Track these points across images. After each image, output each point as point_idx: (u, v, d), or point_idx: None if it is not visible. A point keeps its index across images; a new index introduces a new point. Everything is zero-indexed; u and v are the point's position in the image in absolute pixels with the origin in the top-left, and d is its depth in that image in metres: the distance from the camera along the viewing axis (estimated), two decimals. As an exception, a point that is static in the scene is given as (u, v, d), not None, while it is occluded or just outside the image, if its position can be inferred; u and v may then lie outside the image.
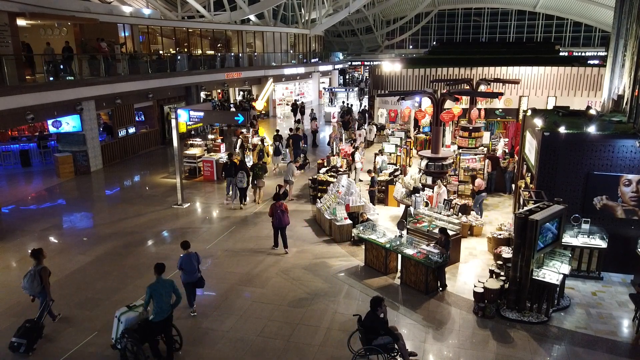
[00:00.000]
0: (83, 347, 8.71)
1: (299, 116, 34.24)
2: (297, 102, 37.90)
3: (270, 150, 21.80)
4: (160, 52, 29.21)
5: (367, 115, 31.58)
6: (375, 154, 18.91)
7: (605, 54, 17.93)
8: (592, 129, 10.85)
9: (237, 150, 21.45)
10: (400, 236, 11.51)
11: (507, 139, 21.41)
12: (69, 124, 20.40)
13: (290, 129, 23.91)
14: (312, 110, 31.63)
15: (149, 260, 12.23)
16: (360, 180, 18.68)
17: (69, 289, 10.78)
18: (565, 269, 9.83)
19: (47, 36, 22.03)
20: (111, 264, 12.04)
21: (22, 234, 14.08)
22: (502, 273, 10.28)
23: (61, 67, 19.53)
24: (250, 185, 16.73)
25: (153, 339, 8.12)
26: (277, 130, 25.13)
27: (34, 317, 8.89)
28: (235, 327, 9.27)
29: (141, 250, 12.92)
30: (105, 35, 22.51)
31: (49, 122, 20.23)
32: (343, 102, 36.51)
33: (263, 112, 33.63)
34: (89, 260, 12.25)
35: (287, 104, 42.60)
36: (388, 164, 18.54)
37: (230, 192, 16.83)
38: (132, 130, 24.25)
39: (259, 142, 21.56)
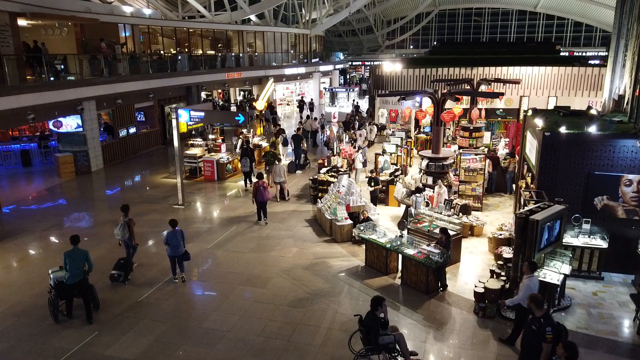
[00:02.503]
0: (84, 346, 8.73)
1: (307, 112, 34.64)
2: (304, 99, 38.58)
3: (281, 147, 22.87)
4: (161, 52, 29.23)
5: (357, 113, 32.39)
6: (377, 154, 18.94)
7: (606, 54, 17.90)
8: (592, 129, 10.84)
9: (238, 150, 21.50)
10: (401, 236, 11.51)
11: (507, 139, 21.40)
12: (70, 124, 20.43)
13: (300, 122, 24.81)
14: (322, 115, 31.96)
15: (149, 260, 12.27)
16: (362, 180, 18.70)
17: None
18: (566, 269, 9.82)
19: (48, 36, 22.06)
20: (112, 264, 12.01)
21: (23, 233, 14.09)
22: (503, 273, 10.27)
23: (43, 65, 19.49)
24: (264, 172, 18.10)
25: (69, 298, 9.52)
26: (279, 125, 26.93)
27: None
28: (235, 327, 9.28)
29: (142, 250, 12.90)
30: (106, 35, 22.51)
31: (50, 122, 20.26)
32: (354, 100, 37.04)
33: (263, 112, 33.78)
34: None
35: (288, 104, 42.75)
36: (391, 164, 18.55)
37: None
38: (132, 130, 24.27)
39: (273, 137, 22.80)
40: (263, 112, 32.95)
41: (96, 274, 11.31)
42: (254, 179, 16.40)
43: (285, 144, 23.12)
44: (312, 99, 40.83)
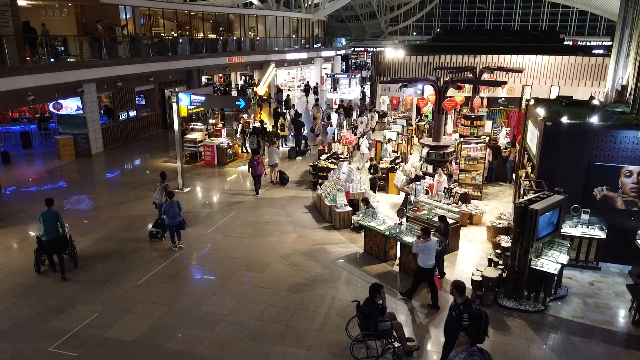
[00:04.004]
0: (84, 328, 8.79)
1: (316, 97, 35.08)
2: (309, 84, 39.16)
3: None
4: (162, 35, 28.99)
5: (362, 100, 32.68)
6: (378, 142, 18.90)
7: (611, 43, 17.76)
8: (594, 120, 10.80)
9: (238, 135, 21.48)
10: (400, 224, 11.54)
11: (508, 128, 21.33)
12: (70, 106, 20.35)
13: (294, 105, 25.34)
14: (328, 105, 32.15)
15: (149, 244, 12.32)
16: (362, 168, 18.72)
17: (69, 271, 10.85)
18: (564, 258, 9.88)
19: (48, 17, 21.85)
20: (112, 247, 12.11)
21: (23, 215, 14.12)
22: (501, 262, 10.32)
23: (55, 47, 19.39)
24: (267, 147, 19.45)
25: (49, 253, 10.62)
26: (277, 108, 27.88)
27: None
28: (234, 311, 9.35)
29: (141, 234, 12.96)
30: (107, 17, 22.30)
31: (50, 104, 20.16)
32: (362, 85, 37.41)
33: (264, 96, 33.71)
34: (90, 242, 12.32)
35: (289, 90, 42.64)
36: (392, 151, 18.51)
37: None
38: (133, 113, 24.18)
39: (281, 118, 23.41)
40: (273, 95, 33.32)
41: (91, 255, 11.46)
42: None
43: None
44: (317, 83, 41.17)
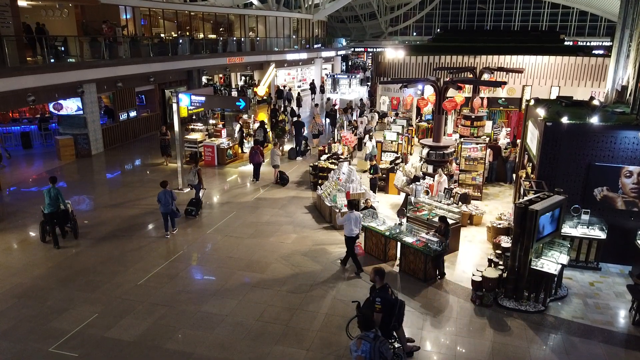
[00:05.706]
0: (84, 328, 8.79)
1: (319, 95, 35.48)
2: (314, 83, 40.86)
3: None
4: (162, 35, 29.00)
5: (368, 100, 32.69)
6: (381, 143, 18.89)
7: (611, 44, 17.75)
8: (594, 120, 10.80)
9: (236, 135, 21.49)
10: (400, 224, 11.54)
11: (509, 129, 21.33)
12: (70, 107, 20.35)
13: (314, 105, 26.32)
14: (337, 105, 32.41)
15: (149, 244, 12.32)
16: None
17: (70, 270, 10.87)
18: (564, 259, 9.87)
19: (49, 17, 21.89)
20: (112, 247, 12.11)
21: (23, 215, 14.12)
22: (501, 262, 10.32)
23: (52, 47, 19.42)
24: (272, 143, 19.81)
25: (51, 224, 11.91)
26: (276, 105, 28.79)
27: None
28: (234, 312, 9.35)
29: (141, 234, 12.97)
30: (107, 17, 22.32)
31: (50, 104, 20.16)
32: (367, 85, 37.80)
33: (264, 97, 33.70)
34: (90, 243, 12.32)
35: (290, 90, 42.75)
36: (391, 151, 18.50)
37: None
38: (133, 113, 24.18)
39: (283, 115, 24.53)
40: (285, 93, 33.88)
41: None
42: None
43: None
44: (322, 83, 41.81)
